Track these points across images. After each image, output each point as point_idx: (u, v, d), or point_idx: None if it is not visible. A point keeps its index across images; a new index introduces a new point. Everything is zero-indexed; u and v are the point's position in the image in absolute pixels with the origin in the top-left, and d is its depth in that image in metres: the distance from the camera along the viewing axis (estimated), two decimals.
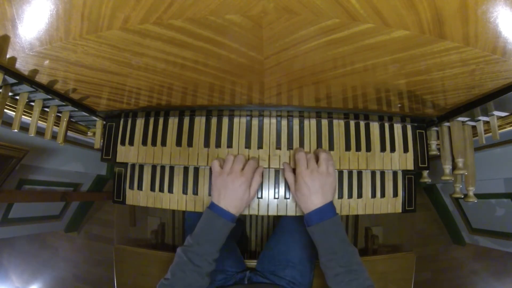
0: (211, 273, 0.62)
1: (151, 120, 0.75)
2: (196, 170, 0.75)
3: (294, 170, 0.68)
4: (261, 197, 0.72)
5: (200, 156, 0.72)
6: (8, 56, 0.46)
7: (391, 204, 0.74)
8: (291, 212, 0.72)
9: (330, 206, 0.63)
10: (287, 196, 0.72)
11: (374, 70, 0.50)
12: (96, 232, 1.92)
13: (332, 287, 0.59)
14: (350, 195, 0.73)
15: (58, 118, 0.68)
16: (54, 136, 0.67)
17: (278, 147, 0.71)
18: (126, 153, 0.75)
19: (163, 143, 0.73)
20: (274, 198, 0.73)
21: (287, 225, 0.86)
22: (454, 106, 0.62)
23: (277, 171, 0.74)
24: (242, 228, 1.34)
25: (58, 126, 0.68)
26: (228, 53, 0.47)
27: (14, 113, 0.57)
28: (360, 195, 0.73)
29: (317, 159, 0.66)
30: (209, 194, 0.73)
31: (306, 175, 0.63)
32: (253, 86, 0.58)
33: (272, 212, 0.72)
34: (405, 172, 0.75)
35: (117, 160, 0.75)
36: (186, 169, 0.75)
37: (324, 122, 0.73)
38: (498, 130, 0.62)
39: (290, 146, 0.72)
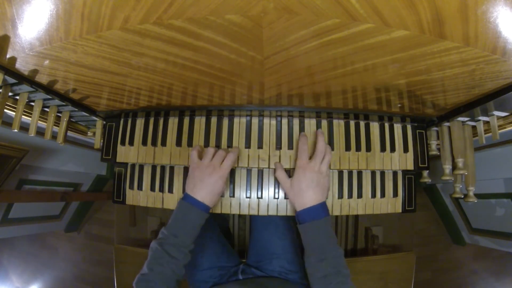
0: (186, 266, 0.61)
1: (151, 120, 0.75)
2: None
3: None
4: (261, 197, 0.72)
5: None
6: (8, 56, 0.46)
7: (391, 204, 0.74)
8: (291, 212, 0.72)
9: (324, 205, 0.63)
10: (287, 196, 0.72)
11: (374, 70, 0.50)
12: (96, 232, 1.93)
13: None
14: (350, 195, 0.73)
15: (58, 118, 0.68)
16: (54, 136, 0.67)
17: (278, 147, 0.71)
18: (126, 153, 0.75)
19: (163, 143, 0.73)
20: (274, 198, 0.73)
21: (258, 220, 0.86)
22: (454, 106, 0.62)
23: None
24: (227, 225, 1.33)
25: (58, 126, 0.68)
26: (228, 53, 0.47)
27: (14, 113, 0.57)
28: (360, 195, 0.73)
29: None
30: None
31: (308, 168, 0.63)
32: (253, 86, 0.58)
33: (272, 212, 0.72)
34: (405, 172, 0.75)
35: (117, 160, 0.75)
36: (186, 169, 0.74)
37: (324, 122, 0.73)
38: (498, 130, 0.62)
39: (290, 146, 0.71)
